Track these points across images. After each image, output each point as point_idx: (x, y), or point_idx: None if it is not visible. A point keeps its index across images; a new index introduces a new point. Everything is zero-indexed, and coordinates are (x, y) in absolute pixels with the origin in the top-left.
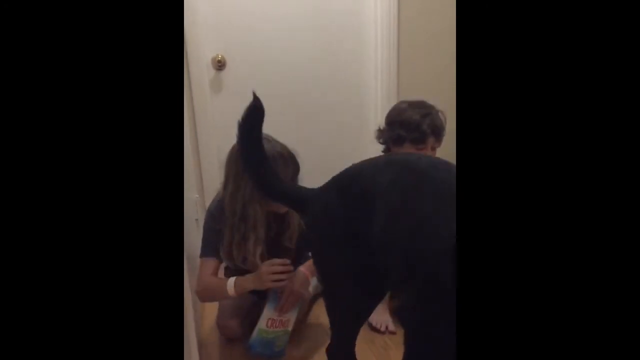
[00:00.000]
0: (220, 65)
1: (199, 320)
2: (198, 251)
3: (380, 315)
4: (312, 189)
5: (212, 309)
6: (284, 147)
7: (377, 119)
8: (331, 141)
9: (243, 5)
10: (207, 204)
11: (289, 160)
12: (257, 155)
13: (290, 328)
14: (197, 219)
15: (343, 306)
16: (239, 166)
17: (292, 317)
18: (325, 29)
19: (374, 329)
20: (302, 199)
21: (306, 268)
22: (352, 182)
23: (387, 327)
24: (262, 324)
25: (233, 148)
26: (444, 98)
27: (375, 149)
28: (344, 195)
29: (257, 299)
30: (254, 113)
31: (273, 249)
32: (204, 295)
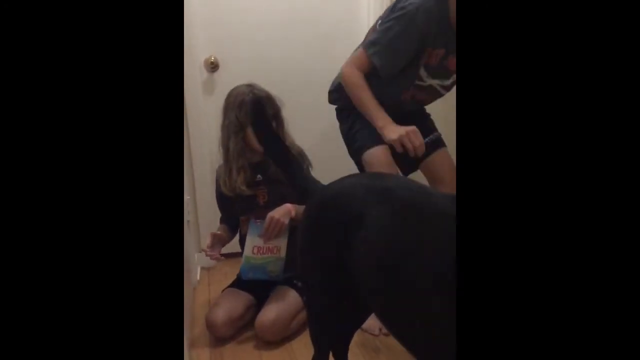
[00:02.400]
0: (213, 66)
1: (190, 321)
2: (190, 252)
3: (374, 318)
4: (316, 187)
5: (203, 311)
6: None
7: None
8: (324, 143)
9: (236, 6)
10: (199, 205)
11: (304, 156)
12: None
13: (282, 255)
14: (188, 220)
15: (313, 314)
16: (229, 102)
17: (281, 244)
18: (319, 31)
19: (368, 332)
20: (306, 192)
21: (292, 205)
22: (329, 211)
23: (380, 329)
24: (247, 251)
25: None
26: (442, 101)
27: None
28: (319, 225)
29: (251, 302)
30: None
31: (282, 187)
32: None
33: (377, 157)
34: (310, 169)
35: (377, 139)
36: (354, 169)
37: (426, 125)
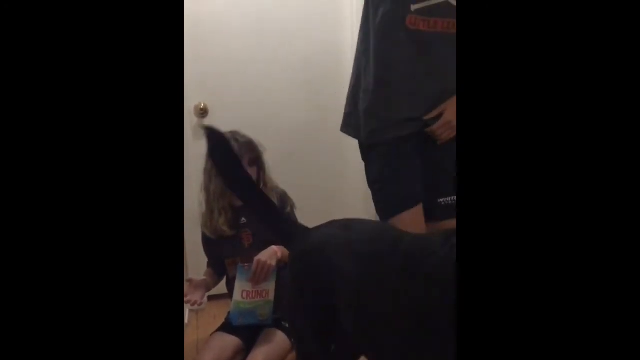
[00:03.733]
0: (202, 113)
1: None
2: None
3: None
4: (301, 230)
5: (192, 354)
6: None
7: (360, 162)
8: (314, 185)
9: (225, 55)
10: (188, 247)
11: (287, 198)
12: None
13: (271, 298)
14: None
15: (302, 358)
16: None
17: (269, 287)
18: (307, 75)
19: None
20: (289, 234)
21: (277, 247)
22: (306, 269)
23: None
24: (236, 296)
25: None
26: None
27: (355, 189)
28: (301, 280)
29: (239, 347)
30: (217, 142)
31: (267, 229)
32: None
33: (409, 222)
34: (294, 209)
35: (407, 200)
36: (338, 213)
37: (444, 185)
